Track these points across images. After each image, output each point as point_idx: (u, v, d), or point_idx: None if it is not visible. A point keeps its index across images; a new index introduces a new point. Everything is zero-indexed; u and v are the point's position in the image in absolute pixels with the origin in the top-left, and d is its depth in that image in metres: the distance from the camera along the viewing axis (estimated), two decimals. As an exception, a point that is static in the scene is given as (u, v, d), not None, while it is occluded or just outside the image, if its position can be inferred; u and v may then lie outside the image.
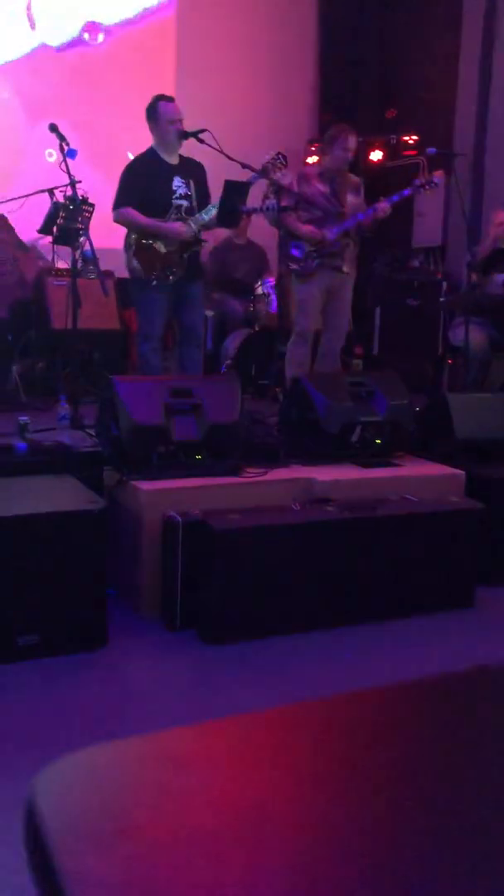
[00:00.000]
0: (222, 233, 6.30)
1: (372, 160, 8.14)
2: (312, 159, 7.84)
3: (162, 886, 0.58)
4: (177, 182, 4.75)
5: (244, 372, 5.90)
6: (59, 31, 7.34)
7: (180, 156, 4.83)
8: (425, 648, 3.08)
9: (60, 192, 4.84)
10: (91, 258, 4.95)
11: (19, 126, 7.13)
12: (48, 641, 2.81)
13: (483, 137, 7.32)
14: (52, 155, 6.10)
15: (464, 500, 3.58)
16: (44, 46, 7.30)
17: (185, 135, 4.66)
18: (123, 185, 4.76)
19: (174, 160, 4.80)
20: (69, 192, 4.61)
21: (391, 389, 3.98)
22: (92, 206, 4.92)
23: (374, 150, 8.14)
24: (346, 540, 3.20)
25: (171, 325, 5.20)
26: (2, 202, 5.29)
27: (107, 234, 5.11)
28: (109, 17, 7.54)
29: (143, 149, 4.89)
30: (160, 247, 4.71)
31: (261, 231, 6.37)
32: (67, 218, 4.72)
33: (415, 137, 7.97)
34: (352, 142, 5.11)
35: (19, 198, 5.11)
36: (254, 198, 4.93)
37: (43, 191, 4.96)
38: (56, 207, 4.83)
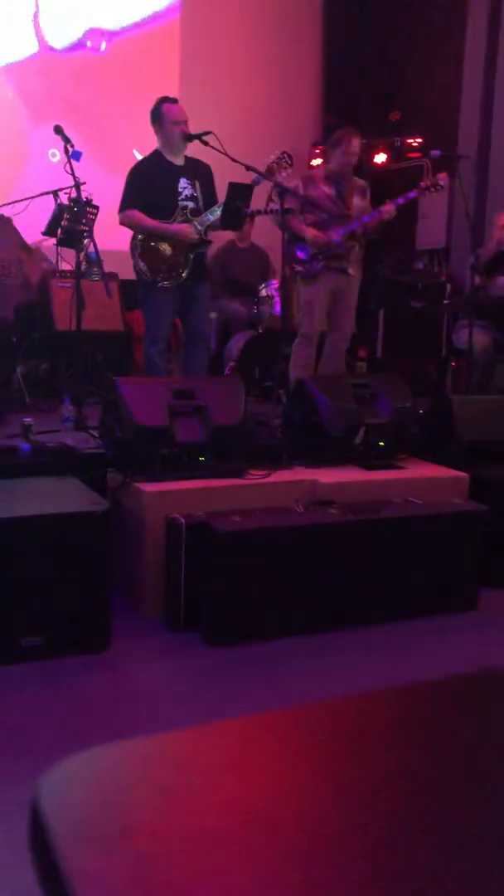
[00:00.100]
0: (225, 236, 6.30)
1: (376, 162, 8.13)
2: (316, 162, 7.85)
3: (166, 887, 0.59)
4: (182, 183, 4.76)
5: (247, 374, 5.90)
6: (63, 33, 7.35)
7: (186, 157, 4.84)
8: (428, 651, 3.07)
9: (65, 194, 4.84)
10: (95, 260, 4.97)
11: (23, 127, 7.14)
12: (51, 643, 2.81)
13: (487, 140, 7.32)
14: (56, 155, 6.11)
15: (467, 503, 3.58)
16: (48, 48, 7.31)
17: (189, 137, 4.67)
18: (129, 187, 4.77)
19: (179, 161, 4.81)
20: (73, 194, 4.62)
21: (395, 392, 3.98)
22: (96, 208, 4.92)
23: (377, 153, 8.14)
24: (349, 542, 3.20)
25: (175, 326, 5.21)
26: (6, 204, 5.29)
27: (111, 236, 5.12)
28: (114, 19, 7.55)
29: (148, 151, 4.90)
30: (166, 248, 4.72)
31: (264, 235, 6.38)
32: (72, 220, 4.72)
33: (419, 140, 7.97)
34: (355, 145, 5.11)
35: (24, 200, 5.12)
36: (258, 199, 4.94)
37: (47, 193, 4.96)
38: (60, 209, 4.83)
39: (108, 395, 3.69)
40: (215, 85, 7.57)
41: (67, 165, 4.45)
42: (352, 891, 0.59)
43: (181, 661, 2.93)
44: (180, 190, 4.75)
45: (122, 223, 4.80)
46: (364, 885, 0.60)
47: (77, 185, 4.50)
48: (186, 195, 4.76)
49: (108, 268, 5.71)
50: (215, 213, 4.71)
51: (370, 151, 7.98)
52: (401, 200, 5.16)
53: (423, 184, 5.26)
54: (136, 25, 7.64)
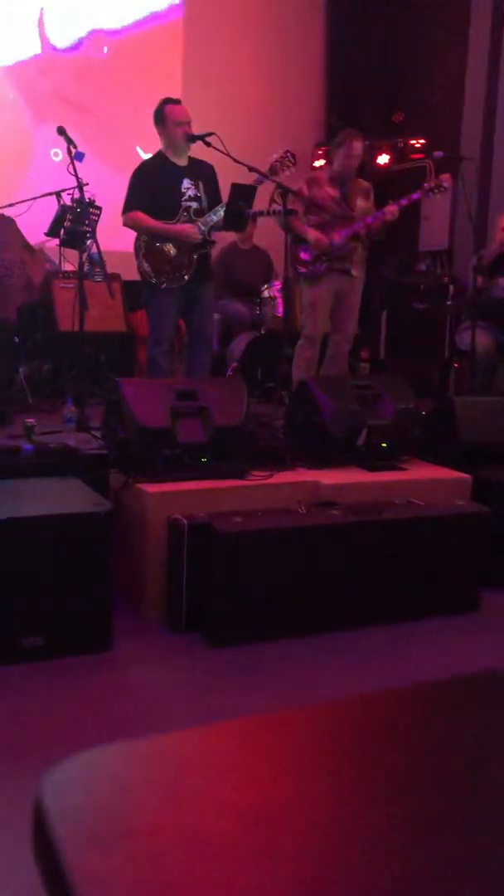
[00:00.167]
0: (227, 237, 6.30)
1: (379, 164, 8.14)
2: (319, 163, 7.85)
3: (167, 887, 0.59)
4: (186, 184, 4.76)
5: (250, 375, 5.90)
6: (66, 33, 7.36)
7: (189, 157, 4.84)
8: (431, 652, 3.07)
9: (68, 194, 4.85)
10: (98, 261, 4.96)
11: (26, 127, 7.15)
12: (53, 643, 2.81)
13: (490, 141, 7.32)
14: (58, 155, 6.12)
15: (470, 504, 3.57)
16: (51, 48, 7.33)
17: (192, 138, 4.67)
18: (132, 188, 4.77)
19: (183, 162, 4.81)
20: (76, 195, 4.62)
21: (397, 393, 3.98)
22: (99, 208, 4.93)
23: (380, 154, 8.14)
24: (351, 543, 3.20)
25: (178, 327, 5.21)
26: (9, 205, 5.30)
27: (114, 236, 5.12)
28: (117, 19, 7.56)
29: (151, 150, 4.90)
30: (170, 249, 4.72)
31: (266, 237, 6.38)
32: (75, 221, 4.73)
33: (422, 141, 7.97)
34: (357, 147, 5.11)
35: (27, 200, 5.13)
36: (261, 201, 4.94)
37: (50, 193, 4.97)
38: (63, 210, 4.84)
39: (110, 395, 3.69)
40: (218, 85, 7.57)
41: (70, 166, 4.45)
42: (352, 891, 0.59)
43: (183, 661, 2.93)
44: (184, 190, 4.75)
45: (125, 224, 4.80)
46: (364, 885, 0.60)
47: (80, 186, 4.51)
48: (190, 196, 4.76)
49: (111, 269, 5.70)
50: (218, 214, 4.71)
51: (373, 153, 7.99)
52: (404, 202, 5.17)
53: (426, 185, 5.27)
54: (139, 25, 7.66)
